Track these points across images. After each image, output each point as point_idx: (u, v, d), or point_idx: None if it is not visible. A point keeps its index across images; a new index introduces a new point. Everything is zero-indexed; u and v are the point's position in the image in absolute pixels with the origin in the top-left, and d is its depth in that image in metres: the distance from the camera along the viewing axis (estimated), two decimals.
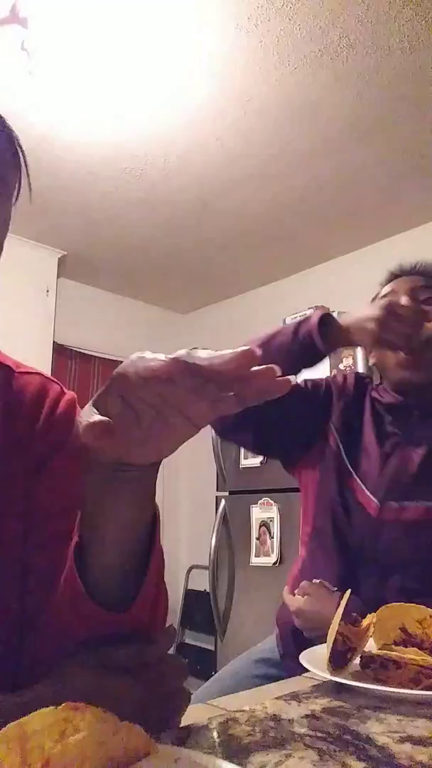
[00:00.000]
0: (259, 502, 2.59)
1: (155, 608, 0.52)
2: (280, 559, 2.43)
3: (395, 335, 1.03)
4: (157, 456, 0.45)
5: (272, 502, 2.53)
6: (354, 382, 1.25)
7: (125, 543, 0.48)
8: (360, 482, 1.10)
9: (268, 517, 2.54)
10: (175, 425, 0.42)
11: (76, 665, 0.46)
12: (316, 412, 1.20)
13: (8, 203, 0.60)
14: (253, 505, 2.61)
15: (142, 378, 0.39)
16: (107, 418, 0.40)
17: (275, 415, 1.11)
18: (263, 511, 2.57)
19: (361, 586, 1.02)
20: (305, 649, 0.75)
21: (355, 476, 1.11)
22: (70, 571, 0.49)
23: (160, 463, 0.47)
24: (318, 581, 1.04)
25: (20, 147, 0.61)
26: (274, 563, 2.45)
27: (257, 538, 2.58)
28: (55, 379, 0.69)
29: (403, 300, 1.09)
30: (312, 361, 1.14)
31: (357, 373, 1.29)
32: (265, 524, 2.55)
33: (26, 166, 0.61)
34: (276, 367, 0.39)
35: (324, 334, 1.09)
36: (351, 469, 1.12)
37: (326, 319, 1.12)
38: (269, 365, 0.39)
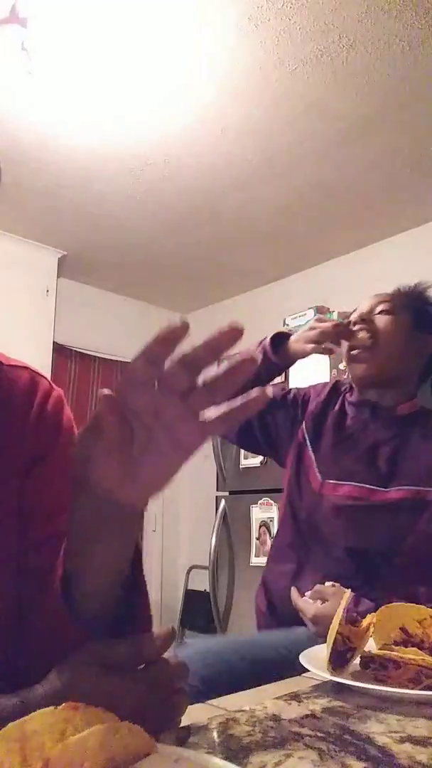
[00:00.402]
0: (259, 502, 2.59)
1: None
2: None
3: (320, 343, 1.26)
4: (144, 493, 0.44)
5: (272, 502, 2.53)
6: (330, 388, 1.43)
7: (108, 577, 0.49)
8: (315, 464, 1.29)
9: (268, 517, 2.54)
10: (165, 452, 0.42)
11: (75, 664, 0.45)
12: (292, 416, 1.39)
13: None
14: (253, 505, 2.61)
15: (130, 376, 0.40)
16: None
17: (258, 422, 1.38)
18: (263, 511, 2.57)
19: (311, 554, 1.24)
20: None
21: (313, 459, 1.30)
22: (59, 594, 0.49)
23: (142, 514, 0.47)
24: (331, 583, 1.06)
25: None
26: None
27: (257, 538, 2.58)
28: (43, 373, 0.68)
29: (355, 314, 1.30)
30: (270, 374, 1.35)
31: (337, 381, 1.48)
32: (265, 524, 2.55)
33: None
34: (238, 326, 0.41)
35: (276, 350, 1.32)
36: (311, 454, 1.31)
37: (279, 337, 1.34)
38: (233, 328, 0.40)
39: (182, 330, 0.39)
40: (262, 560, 2.51)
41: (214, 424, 0.41)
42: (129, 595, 0.51)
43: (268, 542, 2.50)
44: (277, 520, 1.35)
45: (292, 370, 2.20)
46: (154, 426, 0.41)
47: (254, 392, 0.41)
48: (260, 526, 2.57)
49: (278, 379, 2.25)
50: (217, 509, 2.78)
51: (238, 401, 0.41)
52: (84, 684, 0.44)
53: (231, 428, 1.35)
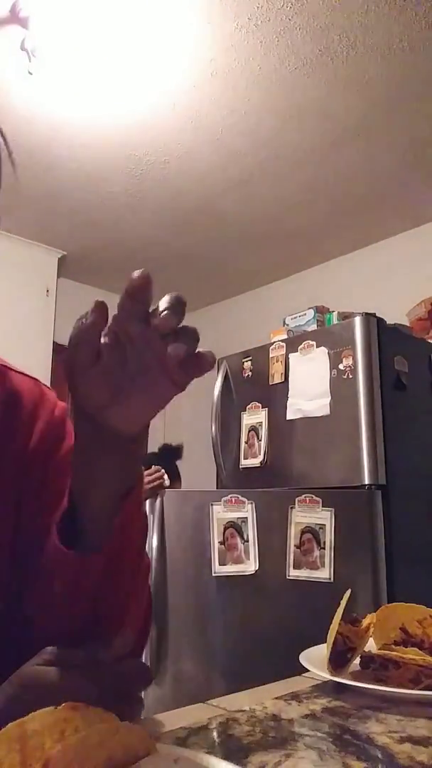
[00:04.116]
0: None
1: (132, 590, 0.55)
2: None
3: None
4: (136, 418, 0.47)
5: None
6: None
7: (108, 509, 0.51)
8: None
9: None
10: (155, 381, 0.45)
11: (36, 664, 0.47)
12: None
13: None
14: None
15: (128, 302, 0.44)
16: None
17: None
18: None
19: None
20: None
21: None
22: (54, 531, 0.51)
23: (140, 442, 0.50)
24: None
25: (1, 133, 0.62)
26: None
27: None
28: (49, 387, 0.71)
29: None
30: None
31: None
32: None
33: (7, 146, 0.62)
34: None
35: None
36: None
37: None
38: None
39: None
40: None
41: (200, 360, 0.44)
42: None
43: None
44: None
45: (292, 370, 2.20)
46: (145, 354, 0.45)
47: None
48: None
49: (278, 379, 2.25)
50: None
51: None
52: (39, 683, 0.45)
53: None
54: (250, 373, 2.38)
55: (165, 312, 0.43)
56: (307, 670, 0.67)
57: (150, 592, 0.63)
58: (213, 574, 1.94)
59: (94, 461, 0.50)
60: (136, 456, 0.52)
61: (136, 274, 0.42)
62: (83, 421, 0.49)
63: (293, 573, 1.89)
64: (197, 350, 0.44)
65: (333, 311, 2.49)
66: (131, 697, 0.49)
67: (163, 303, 0.44)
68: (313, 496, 1.91)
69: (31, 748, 0.33)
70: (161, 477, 2.20)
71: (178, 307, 0.44)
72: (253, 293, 4.06)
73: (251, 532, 1.97)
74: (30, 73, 2.04)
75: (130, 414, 0.47)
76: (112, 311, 0.46)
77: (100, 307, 0.44)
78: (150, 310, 0.44)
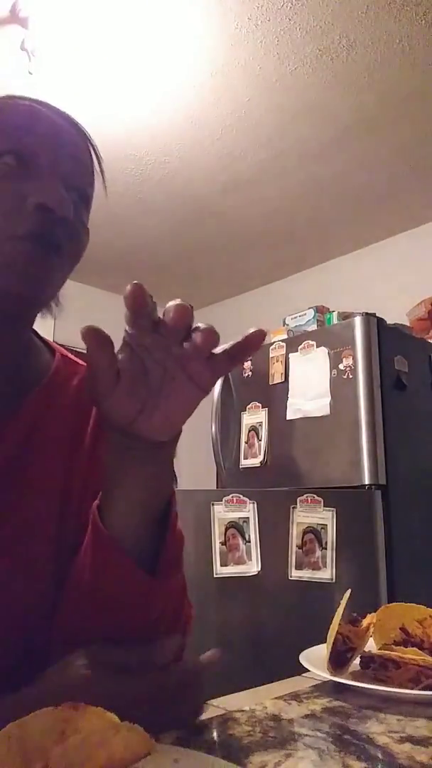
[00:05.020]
0: None
1: (180, 599, 0.55)
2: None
3: None
4: (166, 427, 0.47)
5: None
6: None
7: (138, 522, 0.50)
8: None
9: None
10: (181, 387, 0.45)
11: (68, 664, 0.46)
12: None
13: (87, 212, 0.67)
14: None
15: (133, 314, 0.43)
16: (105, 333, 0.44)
17: None
18: None
19: None
20: None
21: None
22: (96, 530, 0.50)
23: (171, 447, 0.50)
24: None
25: (97, 154, 0.67)
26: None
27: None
28: None
29: None
30: None
31: None
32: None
33: (102, 172, 0.68)
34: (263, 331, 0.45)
35: None
36: None
37: None
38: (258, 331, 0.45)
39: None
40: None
41: (221, 361, 0.45)
42: (161, 534, 0.53)
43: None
44: None
45: (292, 370, 2.20)
46: (167, 362, 0.44)
47: (252, 329, 0.45)
48: None
49: (278, 379, 2.25)
50: None
51: (240, 338, 0.45)
52: (77, 685, 0.44)
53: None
54: (250, 373, 2.38)
55: (198, 332, 0.43)
56: (307, 670, 0.67)
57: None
58: (214, 576, 1.89)
59: (122, 471, 0.49)
60: (165, 465, 0.51)
61: (129, 288, 0.42)
62: (112, 432, 0.48)
63: (295, 574, 1.87)
64: (246, 335, 0.44)
65: (333, 311, 2.49)
66: (186, 699, 0.49)
67: (175, 313, 0.43)
68: (314, 495, 1.91)
69: (31, 748, 0.33)
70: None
71: (189, 315, 0.44)
72: (253, 293, 4.06)
73: (253, 532, 1.93)
74: (30, 73, 2.04)
75: (159, 423, 0.47)
76: (112, 311, 0.46)
77: (94, 334, 0.43)
78: (157, 318, 0.44)
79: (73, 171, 0.60)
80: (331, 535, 1.86)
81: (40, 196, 0.54)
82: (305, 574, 1.86)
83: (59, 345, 0.73)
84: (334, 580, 1.81)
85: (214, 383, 0.46)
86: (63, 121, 0.63)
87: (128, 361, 0.44)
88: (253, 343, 0.45)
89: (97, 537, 0.50)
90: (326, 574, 1.83)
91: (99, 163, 0.66)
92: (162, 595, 0.52)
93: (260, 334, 0.44)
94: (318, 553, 1.86)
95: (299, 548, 1.89)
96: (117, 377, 0.44)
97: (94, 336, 0.43)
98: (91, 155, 0.65)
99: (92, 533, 0.51)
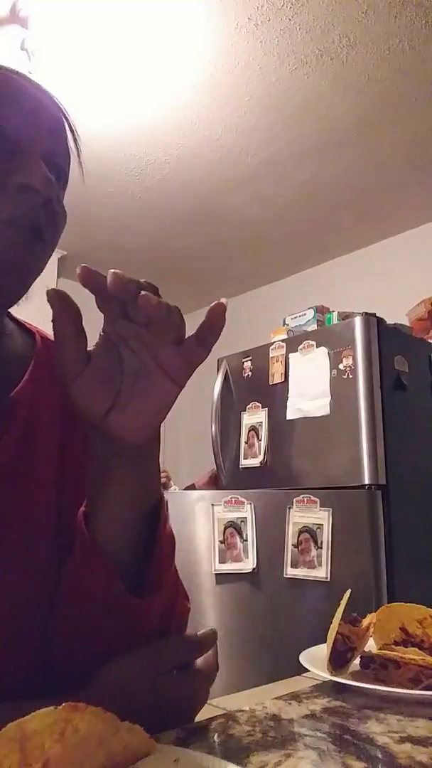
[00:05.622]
0: None
1: (172, 600, 0.55)
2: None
3: None
4: (140, 426, 0.45)
5: None
6: None
7: (127, 524, 0.49)
8: None
9: None
10: (155, 382, 0.44)
11: (131, 667, 0.47)
12: None
13: (64, 193, 0.59)
14: None
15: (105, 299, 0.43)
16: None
17: None
18: None
19: None
20: None
21: None
22: (84, 545, 0.49)
23: (151, 451, 0.48)
24: None
25: (74, 132, 0.62)
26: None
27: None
28: None
29: None
30: None
31: None
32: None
33: (78, 150, 0.61)
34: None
35: None
36: None
37: None
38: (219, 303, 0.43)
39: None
40: None
41: (190, 346, 0.43)
42: (150, 537, 0.51)
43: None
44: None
45: (292, 370, 2.20)
46: (143, 354, 0.43)
47: (212, 305, 0.43)
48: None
49: (278, 379, 2.24)
50: None
51: (204, 317, 0.43)
52: (141, 687, 0.45)
53: None
54: (250, 373, 2.38)
55: (142, 294, 0.42)
56: (307, 670, 0.67)
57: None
58: (213, 572, 2.03)
59: (106, 476, 0.48)
60: (148, 470, 0.49)
61: (77, 271, 0.41)
62: (91, 433, 0.47)
63: (290, 572, 1.91)
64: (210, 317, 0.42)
65: (333, 311, 2.49)
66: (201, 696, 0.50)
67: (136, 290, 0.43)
68: (310, 496, 1.92)
69: (31, 748, 0.33)
70: (167, 477, 2.22)
71: (149, 287, 0.43)
72: (253, 293, 4.06)
73: (250, 531, 2.03)
74: (30, 73, 2.04)
75: (133, 421, 0.45)
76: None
77: (57, 296, 0.42)
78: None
79: (54, 149, 0.55)
80: (326, 535, 1.87)
81: (24, 176, 0.48)
82: (300, 573, 1.89)
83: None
84: (329, 579, 1.81)
85: (188, 375, 0.44)
86: (43, 95, 0.60)
87: (101, 346, 0.44)
88: (216, 319, 0.43)
89: (83, 543, 0.49)
90: (321, 572, 1.84)
91: (75, 141, 0.60)
92: (150, 601, 0.51)
93: (220, 307, 0.43)
94: (313, 552, 1.88)
95: (295, 547, 1.94)
96: (87, 357, 0.43)
97: (58, 299, 0.42)
98: (66, 133, 0.60)
99: (78, 539, 0.50)
